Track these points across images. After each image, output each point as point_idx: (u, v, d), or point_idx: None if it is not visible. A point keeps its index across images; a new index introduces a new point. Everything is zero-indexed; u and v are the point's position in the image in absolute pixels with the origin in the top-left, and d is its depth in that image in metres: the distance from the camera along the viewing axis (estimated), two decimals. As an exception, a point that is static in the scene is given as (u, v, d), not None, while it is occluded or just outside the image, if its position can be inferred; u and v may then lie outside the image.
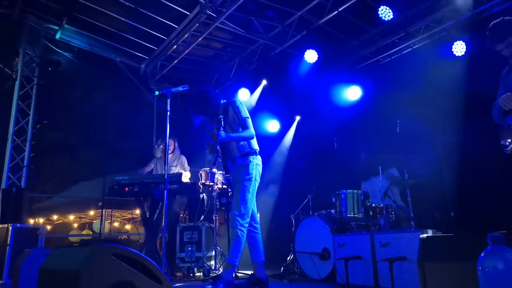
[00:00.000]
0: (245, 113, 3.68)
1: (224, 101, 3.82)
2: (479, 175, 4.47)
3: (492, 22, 2.76)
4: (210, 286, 3.32)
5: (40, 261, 2.52)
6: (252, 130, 3.64)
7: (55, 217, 7.63)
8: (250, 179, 3.58)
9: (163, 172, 5.20)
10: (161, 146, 5.46)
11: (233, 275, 3.62)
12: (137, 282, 2.08)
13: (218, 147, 3.67)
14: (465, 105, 4.79)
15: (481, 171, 4.46)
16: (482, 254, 1.24)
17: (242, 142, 3.66)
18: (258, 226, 3.78)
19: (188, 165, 5.65)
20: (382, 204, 4.38)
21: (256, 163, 3.66)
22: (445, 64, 5.47)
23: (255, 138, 3.77)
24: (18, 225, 4.90)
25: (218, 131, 3.46)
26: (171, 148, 5.49)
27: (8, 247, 4.69)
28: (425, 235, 2.00)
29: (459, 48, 5.48)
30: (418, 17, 5.81)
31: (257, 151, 3.72)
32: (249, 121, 3.68)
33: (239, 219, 3.48)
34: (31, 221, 5.45)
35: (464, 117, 4.74)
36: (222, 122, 3.51)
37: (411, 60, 6.09)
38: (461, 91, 4.88)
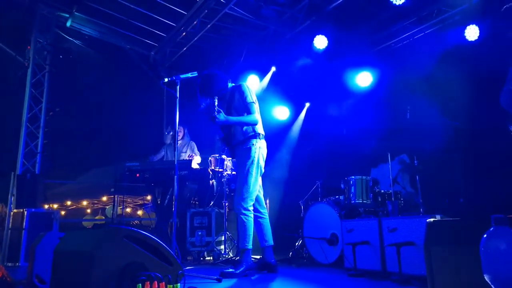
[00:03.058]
0: (251, 98, 3.67)
1: (232, 85, 3.83)
2: (489, 161, 4.43)
3: (504, 7, 2.71)
4: (231, 269, 3.40)
5: (54, 243, 2.59)
6: (256, 115, 3.63)
7: (68, 202, 7.79)
8: (252, 163, 3.58)
9: (173, 159, 5.26)
10: (171, 133, 5.51)
11: (251, 258, 3.67)
12: (148, 263, 2.14)
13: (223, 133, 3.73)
14: (476, 91, 4.72)
15: (490, 157, 4.41)
16: (485, 235, 1.25)
17: (245, 126, 3.67)
18: (264, 211, 3.81)
19: (198, 151, 5.71)
20: (391, 190, 4.39)
21: (259, 147, 3.65)
22: (457, 49, 5.37)
23: (260, 122, 3.75)
24: (33, 210, 5.03)
25: (215, 114, 3.45)
26: (180, 134, 5.54)
27: (23, 231, 4.82)
28: (431, 219, 2.01)
29: (472, 32, 5.37)
30: (430, 1, 5.69)
31: (261, 134, 3.71)
32: (255, 106, 3.66)
33: (242, 203, 3.52)
34: (45, 206, 5.59)
35: (475, 103, 4.68)
36: (216, 104, 3.48)
37: (423, 45, 5.98)
38: (472, 77, 4.81)
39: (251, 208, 3.59)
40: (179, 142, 5.49)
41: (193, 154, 5.47)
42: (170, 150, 5.63)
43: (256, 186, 3.64)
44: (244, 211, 3.52)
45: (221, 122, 3.50)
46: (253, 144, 3.62)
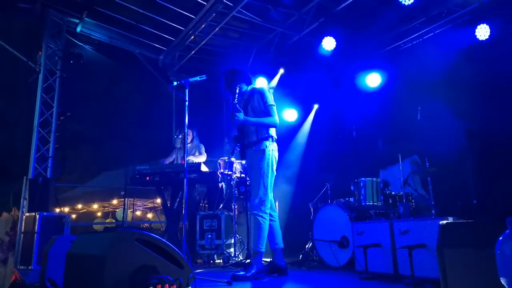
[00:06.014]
0: (271, 100, 3.75)
1: (253, 87, 3.88)
2: (502, 162, 4.36)
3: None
4: (242, 272, 3.40)
5: (67, 247, 2.61)
6: (275, 117, 3.70)
7: (79, 206, 7.86)
8: (268, 165, 3.62)
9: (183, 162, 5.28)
10: (180, 136, 5.54)
11: (262, 261, 3.67)
12: (159, 266, 2.15)
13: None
14: (488, 91, 4.65)
15: (504, 158, 4.35)
16: (501, 238, 1.23)
17: (261, 127, 3.71)
18: (275, 213, 3.83)
19: (207, 154, 5.72)
20: (402, 192, 4.34)
21: (272, 149, 3.70)
22: (468, 49, 5.31)
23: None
24: (45, 213, 5.08)
25: (236, 113, 3.54)
26: (189, 138, 5.55)
27: (36, 234, 4.87)
28: (445, 222, 1.99)
29: (482, 31, 5.30)
30: (440, 1, 5.64)
31: (274, 137, 3.77)
32: (274, 108, 3.74)
33: (260, 206, 3.54)
34: (57, 210, 5.63)
35: (487, 103, 4.61)
36: (236, 103, 3.61)
37: (432, 45, 5.93)
38: (483, 77, 4.74)
39: (268, 211, 3.60)
40: (188, 145, 5.51)
41: (197, 154, 5.52)
42: (180, 153, 5.66)
43: (272, 188, 3.67)
44: (261, 214, 3.54)
45: (240, 121, 3.58)
46: (266, 146, 3.67)
